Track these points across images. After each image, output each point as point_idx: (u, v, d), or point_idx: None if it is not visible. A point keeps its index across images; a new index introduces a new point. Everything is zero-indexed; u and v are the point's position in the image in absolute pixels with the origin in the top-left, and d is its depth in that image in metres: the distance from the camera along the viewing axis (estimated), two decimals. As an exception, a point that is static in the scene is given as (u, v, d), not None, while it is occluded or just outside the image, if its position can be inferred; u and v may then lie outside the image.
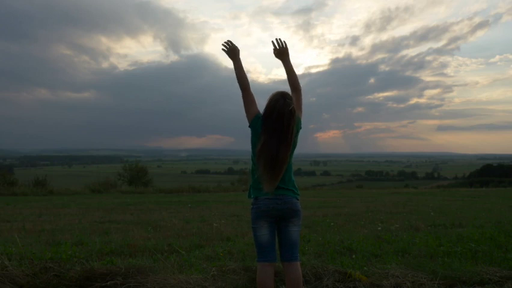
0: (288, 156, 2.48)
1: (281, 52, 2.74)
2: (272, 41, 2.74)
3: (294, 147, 2.59)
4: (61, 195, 17.86)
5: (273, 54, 2.76)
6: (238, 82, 2.69)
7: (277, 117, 2.46)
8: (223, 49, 2.76)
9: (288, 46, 2.74)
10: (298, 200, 2.62)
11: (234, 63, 2.73)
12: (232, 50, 2.74)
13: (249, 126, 2.64)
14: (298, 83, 2.72)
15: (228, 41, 2.76)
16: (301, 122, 2.66)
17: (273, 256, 2.60)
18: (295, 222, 2.59)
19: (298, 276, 2.58)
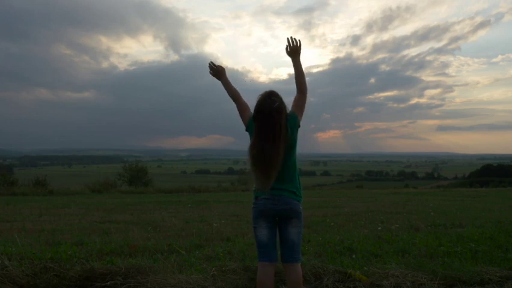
0: (277, 155, 2.42)
1: (294, 50, 2.74)
2: (287, 38, 2.74)
3: (293, 146, 2.56)
4: (61, 195, 17.85)
5: (285, 52, 2.75)
6: (230, 96, 2.82)
7: (263, 116, 2.47)
8: (210, 72, 2.88)
9: (301, 46, 2.74)
10: (299, 201, 2.59)
11: (222, 82, 2.86)
12: (217, 73, 2.87)
13: (246, 130, 2.69)
14: (306, 86, 2.70)
15: (210, 62, 2.88)
16: (300, 121, 2.61)
17: (273, 256, 2.60)
18: (294, 223, 2.57)
19: (299, 278, 2.57)
